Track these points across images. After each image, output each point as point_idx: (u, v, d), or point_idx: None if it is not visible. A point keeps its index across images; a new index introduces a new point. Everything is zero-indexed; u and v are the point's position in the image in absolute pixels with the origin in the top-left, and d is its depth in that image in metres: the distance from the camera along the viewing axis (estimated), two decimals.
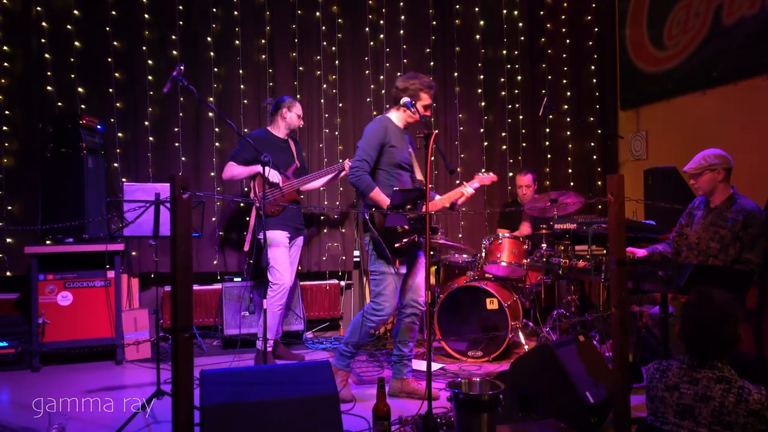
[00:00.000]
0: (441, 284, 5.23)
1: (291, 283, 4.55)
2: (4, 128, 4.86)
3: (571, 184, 6.34)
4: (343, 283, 5.74)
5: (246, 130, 5.32)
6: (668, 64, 5.79)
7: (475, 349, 4.60)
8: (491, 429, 2.54)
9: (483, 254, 4.89)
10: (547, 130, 6.37)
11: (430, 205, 3.60)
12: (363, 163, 3.55)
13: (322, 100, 5.69)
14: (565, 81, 6.38)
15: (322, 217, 5.66)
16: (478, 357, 4.58)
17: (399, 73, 5.91)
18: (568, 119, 6.35)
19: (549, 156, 6.36)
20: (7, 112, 4.87)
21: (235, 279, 5.19)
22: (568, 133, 6.39)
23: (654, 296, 4.47)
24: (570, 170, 6.39)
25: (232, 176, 4.60)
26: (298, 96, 5.55)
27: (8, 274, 4.82)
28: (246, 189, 5.19)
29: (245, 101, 5.50)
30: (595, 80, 6.44)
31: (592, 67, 6.45)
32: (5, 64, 4.88)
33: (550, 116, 6.33)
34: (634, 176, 5.76)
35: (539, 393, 3.03)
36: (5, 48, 4.89)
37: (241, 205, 5.37)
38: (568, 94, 6.38)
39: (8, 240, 4.81)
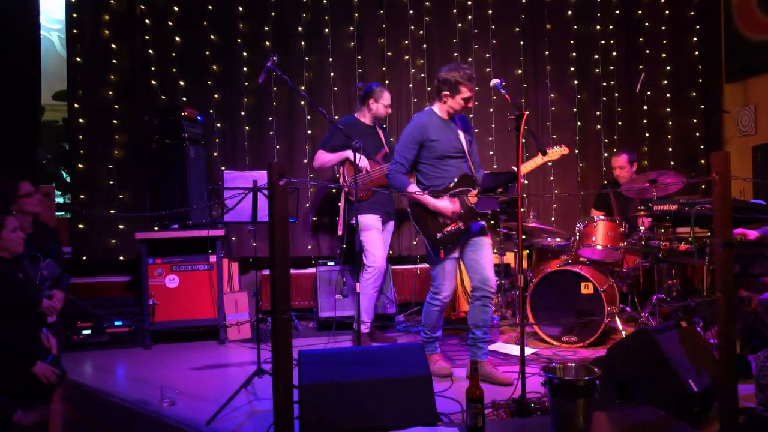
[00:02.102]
0: (533, 268, 5.15)
1: (384, 265, 4.62)
2: (114, 122, 5.20)
3: (671, 163, 6.05)
4: None
5: (336, 117, 5.42)
6: None
7: (569, 334, 4.51)
8: (587, 415, 2.49)
9: (577, 237, 4.77)
10: (645, 107, 6.09)
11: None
12: (397, 166, 3.69)
13: (410, 85, 5.70)
14: (663, 55, 6.07)
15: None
16: (572, 342, 4.48)
17: (488, 55, 5.83)
18: (668, 95, 6.04)
19: (647, 134, 6.09)
20: (116, 107, 5.21)
21: (329, 263, 5.32)
22: (668, 109, 6.09)
23: (765, 281, 4.21)
24: (670, 149, 6.09)
25: (321, 164, 4.70)
26: (386, 81, 5.59)
27: (121, 258, 5.19)
28: (336, 175, 5.30)
29: (335, 88, 5.60)
30: (697, 52, 6.09)
31: (694, 39, 6.09)
32: (113, 61, 5.21)
33: (648, 92, 6.04)
34: (742, 153, 5.43)
35: (638, 380, 2.94)
36: (113, 46, 5.22)
37: (333, 190, 5.49)
38: (668, 68, 6.06)
39: (120, 226, 5.16)
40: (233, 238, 5.44)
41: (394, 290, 5.37)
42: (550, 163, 3.71)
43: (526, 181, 5.86)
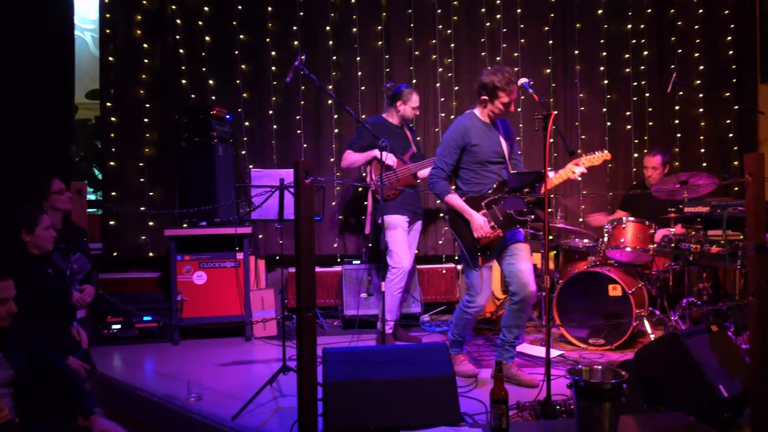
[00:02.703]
0: (560, 269, 5.10)
1: (410, 266, 4.61)
2: (145, 120, 5.29)
3: (704, 164, 5.94)
4: (459, 267, 5.74)
5: (363, 116, 5.43)
6: None
7: (596, 336, 4.45)
8: (614, 418, 2.46)
9: (605, 239, 4.71)
10: (677, 107, 5.98)
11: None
12: (438, 171, 3.66)
13: (437, 84, 5.68)
14: (696, 54, 5.96)
15: (438, 201, 5.68)
16: (599, 345, 4.43)
17: (516, 54, 5.78)
18: (701, 95, 5.93)
19: (678, 135, 5.98)
20: (147, 105, 5.29)
21: (354, 261, 5.34)
22: (700, 110, 5.97)
23: None
24: (702, 150, 5.98)
25: (349, 164, 4.71)
26: (414, 81, 5.58)
27: (150, 254, 5.27)
28: (363, 174, 5.31)
29: (362, 87, 5.62)
30: (731, 52, 5.96)
31: (728, 38, 5.96)
32: (145, 60, 5.30)
33: (680, 93, 5.94)
34: None
35: (666, 384, 2.89)
36: (145, 45, 5.30)
37: (359, 189, 5.50)
38: (701, 68, 5.95)
39: (150, 223, 5.24)
40: (260, 236, 5.48)
41: (420, 290, 5.37)
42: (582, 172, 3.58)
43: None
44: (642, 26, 5.92)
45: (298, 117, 5.54)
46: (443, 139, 3.71)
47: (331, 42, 5.57)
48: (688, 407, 2.78)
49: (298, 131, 5.55)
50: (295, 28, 5.52)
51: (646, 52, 5.93)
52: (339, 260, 5.54)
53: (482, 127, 3.64)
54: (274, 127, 5.52)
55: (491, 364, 3.88)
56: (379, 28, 5.64)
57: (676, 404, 2.83)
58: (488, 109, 3.63)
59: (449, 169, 3.65)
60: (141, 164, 5.28)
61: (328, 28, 5.56)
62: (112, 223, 5.23)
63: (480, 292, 3.62)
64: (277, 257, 5.54)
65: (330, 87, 5.48)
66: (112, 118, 5.26)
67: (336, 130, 5.59)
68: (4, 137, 4.52)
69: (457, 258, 5.77)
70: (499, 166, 3.67)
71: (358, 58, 5.60)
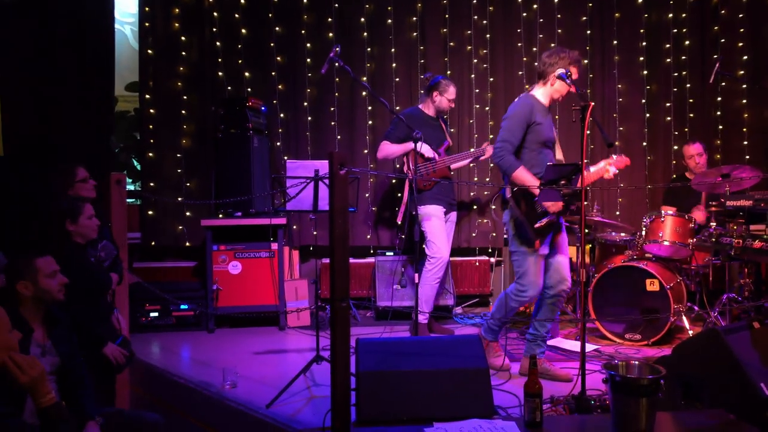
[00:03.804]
0: (596, 263, 5.03)
1: (448, 256, 4.60)
2: (183, 112, 5.36)
3: (747, 157, 5.77)
4: (493, 259, 5.71)
5: (398, 108, 5.42)
6: None
7: (632, 331, 4.39)
8: (651, 414, 2.42)
9: (643, 232, 4.63)
10: (719, 98, 5.83)
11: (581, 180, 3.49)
12: (506, 144, 3.49)
13: (472, 75, 5.64)
14: (740, 44, 5.79)
15: (472, 194, 5.65)
16: (636, 340, 4.36)
17: (553, 44, 5.69)
18: (744, 86, 5.76)
19: (720, 127, 5.83)
20: (184, 97, 5.37)
21: (387, 253, 5.34)
22: (744, 101, 5.81)
23: None
24: (745, 142, 5.81)
25: (386, 155, 4.70)
26: (449, 72, 5.55)
27: (187, 244, 5.36)
28: (398, 165, 5.31)
29: (397, 79, 5.60)
30: None
31: None
32: (183, 53, 5.37)
33: (723, 83, 5.78)
34: None
35: (705, 381, 2.83)
36: (182, 38, 5.37)
37: (393, 181, 5.50)
38: (744, 58, 5.77)
39: (187, 213, 5.33)
40: (294, 227, 5.53)
41: (453, 282, 5.35)
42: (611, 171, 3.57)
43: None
44: (683, 15, 5.78)
45: (332, 109, 5.56)
46: (510, 112, 3.56)
47: (365, 33, 5.57)
48: (728, 405, 2.72)
49: (332, 123, 5.57)
50: (330, 19, 5.53)
51: (687, 42, 5.79)
52: (372, 252, 5.55)
53: (543, 108, 3.60)
54: (309, 118, 5.55)
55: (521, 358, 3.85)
56: (414, 19, 5.61)
57: (715, 401, 2.77)
58: (553, 90, 3.57)
59: (517, 144, 3.51)
60: (178, 155, 5.37)
61: (363, 19, 5.55)
62: (150, 213, 5.33)
63: (534, 281, 3.52)
64: (311, 248, 5.58)
65: (364, 78, 5.48)
66: (151, 110, 5.36)
67: (370, 122, 5.59)
68: (47, 129, 4.64)
69: (490, 250, 5.73)
70: (551, 151, 3.63)
71: (392, 50, 5.58)
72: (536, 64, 3.67)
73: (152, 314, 4.86)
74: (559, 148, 3.75)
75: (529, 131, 3.52)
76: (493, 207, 5.62)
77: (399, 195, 4.97)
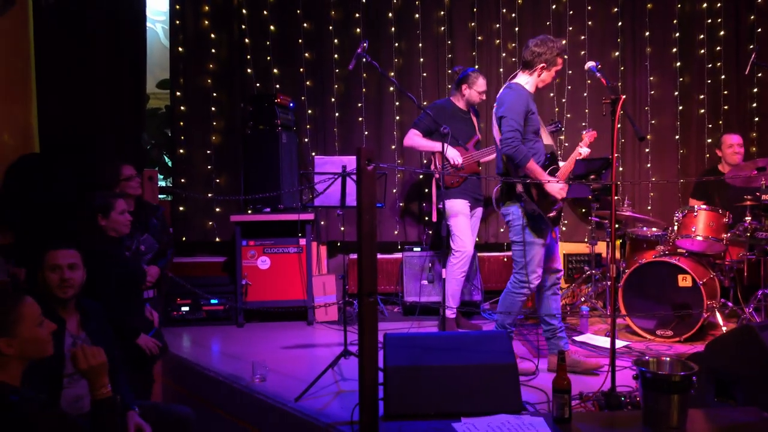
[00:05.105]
0: (627, 259, 4.96)
1: (472, 251, 4.58)
2: (212, 109, 5.43)
3: None
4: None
5: (425, 102, 5.40)
6: None
7: (664, 328, 4.32)
8: (682, 412, 2.38)
9: (675, 227, 4.55)
10: (755, 90, 5.69)
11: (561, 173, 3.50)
12: (516, 133, 3.38)
13: (500, 70, 5.59)
14: None
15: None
16: (667, 336, 4.30)
17: (583, 37, 5.63)
18: None
19: (756, 119, 5.70)
20: (214, 94, 5.43)
21: (415, 248, 5.34)
22: None
23: None
24: None
25: (412, 145, 4.68)
26: (476, 66, 5.50)
27: (217, 239, 5.43)
28: (426, 161, 5.30)
29: (424, 74, 5.58)
30: None
31: None
32: (212, 50, 5.43)
33: (759, 74, 5.64)
34: None
35: (739, 378, 2.78)
36: (212, 36, 5.43)
37: (421, 177, 5.49)
38: None
39: (217, 209, 5.40)
40: (322, 222, 5.56)
41: (480, 277, 5.33)
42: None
43: (621, 168, 5.64)
44: (718, 5, 5.65)
45: (359, 104, 5.57)
46: (508, 102, 3.45)
47: (393, 28, 5.56)
48: (762, 403, 2.67)
49: (360, 119, 5.58)
50: (357, 15, 5.53)
51: (722, 32, 5.66)
52: (399, 247, 5.55)
53: (532, 97, 3.58)
54: (336, 114, 5.57)
55: (545, 354, 3.81)
56: (442, 13, 5.59)
57: (749, 399, 2.72)
58: (539, 79, 3.54)
59: (522, 132, 3.44)
60: (208, 152, 5.44)
61: (390, 14, 5.55)
62: (181, 208, 5.41)
63: (536, 270, 3.50)
64: (339, 243, 5.60)
65: (392, 74, 5.48)
66: (181, 107, 5.43)
67: (397, 117, 5.58)
68: (82, 126, 4.73)
69: None
70: (541, 141, 3.60)
71: (420, 44, 5.57)
72: (526, 50, 3.58)
73: (183, 308, 4.93)
74: (545, 133, 3.70)
75: (526, 121, 3.47)
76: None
77: (426, 191, 4.95)
